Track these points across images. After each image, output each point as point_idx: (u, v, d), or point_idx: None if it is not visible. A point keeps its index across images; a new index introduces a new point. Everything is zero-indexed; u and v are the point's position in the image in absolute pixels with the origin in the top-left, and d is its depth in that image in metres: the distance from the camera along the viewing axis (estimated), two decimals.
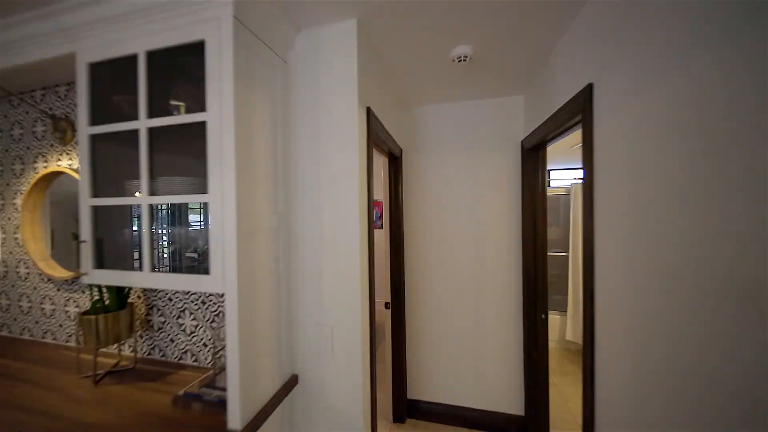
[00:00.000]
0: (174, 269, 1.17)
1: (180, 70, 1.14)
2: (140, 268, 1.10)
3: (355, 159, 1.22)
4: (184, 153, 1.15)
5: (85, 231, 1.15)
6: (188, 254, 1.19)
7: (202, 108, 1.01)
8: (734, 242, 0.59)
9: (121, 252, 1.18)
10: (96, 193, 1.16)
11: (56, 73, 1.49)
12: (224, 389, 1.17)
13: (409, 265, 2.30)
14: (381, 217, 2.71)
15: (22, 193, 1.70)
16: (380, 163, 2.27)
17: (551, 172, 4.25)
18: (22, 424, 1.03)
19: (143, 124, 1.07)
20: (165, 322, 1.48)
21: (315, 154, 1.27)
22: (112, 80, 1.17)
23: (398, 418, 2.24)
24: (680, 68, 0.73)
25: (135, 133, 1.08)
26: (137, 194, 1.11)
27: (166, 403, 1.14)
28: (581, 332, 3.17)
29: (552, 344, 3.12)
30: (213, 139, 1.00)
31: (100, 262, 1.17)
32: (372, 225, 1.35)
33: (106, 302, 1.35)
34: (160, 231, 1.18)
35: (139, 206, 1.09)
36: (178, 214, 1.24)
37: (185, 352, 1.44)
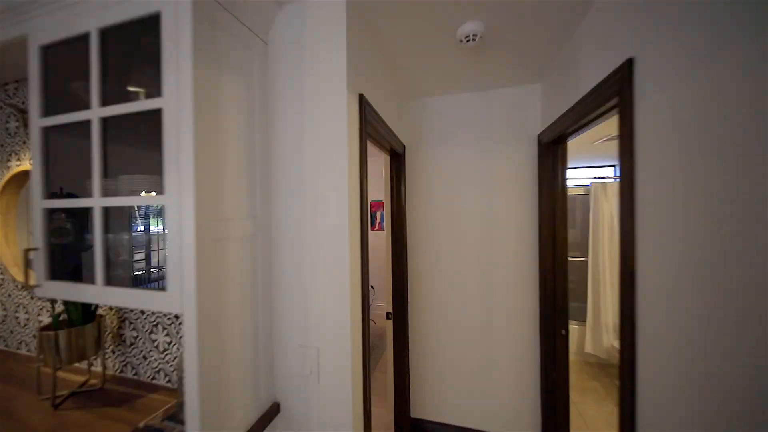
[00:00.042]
0: (134, 283, 1.02)
1: (140, 51, 0.99)
2: (93, 281, 0.95)
3: (344, 153, 1.04)
4: (147, 148, 0.99)
5: (38, 237, 1.01)
6: (152, 267, 1.04)
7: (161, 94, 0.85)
8: None
9: (76, 262, 1.04)
10: (50, 194, 1.02)
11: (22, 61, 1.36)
12: None
13: (413, 271, 2.11)
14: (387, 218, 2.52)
15: None
16: (381, 161, 2.09)
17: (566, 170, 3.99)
18: None
19: (95, 113, 0.92)
20: (137, 337, 1.33)
21: (299, 149, 1.10)
22: (67, 65, 1.02)
23: None
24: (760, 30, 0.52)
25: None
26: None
27: None
28: (603, 345, 2.91)
29: (569, 357, 2.88)
30: (170, 129, 0.83)
31: (55, 273, 1.03)
32: (366, 230, 1.17)
33: (63, 316, 1.21)
34: (122, 238, 1.03)
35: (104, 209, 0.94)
36: (144, 219, 1.09)
37: (158, 371, 1.29)
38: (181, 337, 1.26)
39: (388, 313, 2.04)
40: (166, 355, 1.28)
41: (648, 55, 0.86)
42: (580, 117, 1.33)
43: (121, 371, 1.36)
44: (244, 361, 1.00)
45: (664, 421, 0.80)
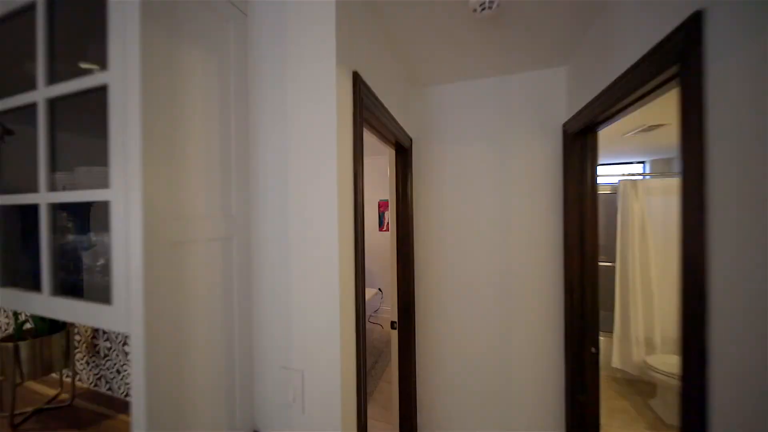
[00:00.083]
0: (94, 294, 0.88)
1: (94, 23, 0.85)
2: (40, 289, 0.81)
3: (332, 141, 0.87)
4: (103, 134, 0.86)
5: None
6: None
7: None
8: None
9: (25, 267, 0.91)
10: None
11: None
12: None
13: (420, 278, 1.93)
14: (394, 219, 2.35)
15: None
16: (386, 156, 1.91)
17: None
18: None
19: (41, 94, 0.79)
20: (111, 348, 1.21)
21: (282, 138, 0.94)
22: (17, 42, 0.90)
23: None
24: None
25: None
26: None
27: None
28: (632, 359, 2.63)
29: None
30: (116, 109, 0.69)
31: (5, 280, 0.90)
32: (361, 232, 1.00)
33: (29, 325, 1.10)
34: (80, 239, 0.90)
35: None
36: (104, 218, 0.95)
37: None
38: None
39: (393, 323, 1.87)
40: None
41: (719, 4, 0.65)
42: (617, 99, 1.12)
43: (95, 384, 1.24)
44: (214, 385, 0.84)
45: None
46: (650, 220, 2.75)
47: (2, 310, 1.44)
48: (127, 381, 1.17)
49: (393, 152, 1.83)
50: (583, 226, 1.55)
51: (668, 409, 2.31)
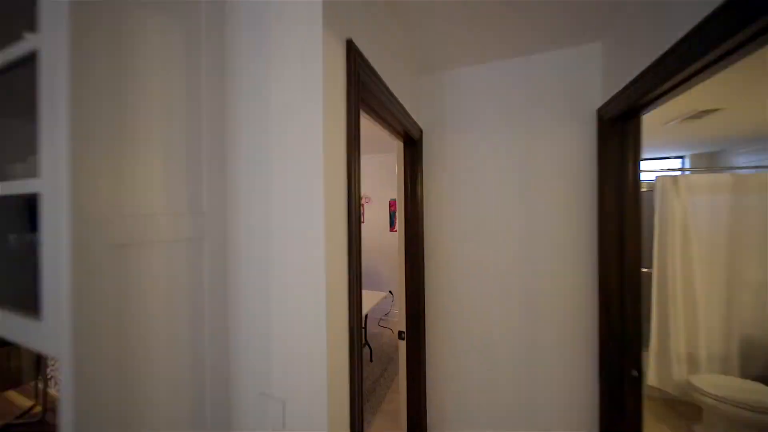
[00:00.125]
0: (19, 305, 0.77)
1: None
2: None
3: (318, 121, 0.71)
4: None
5: None
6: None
7: None
8: None
9: None
10: None
11: None
12: None
13: (431, 284, 1.74)
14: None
15: None
16: (394, 149, 1.75)
17: None
18: None
19: None
20: None
21: (262, 120, 0.79)
22: None
23: None
24: None
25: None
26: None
27: None
28: (673, 378, 2.34)
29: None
30: (46, 82, 0.56)
31: None
32: (357, 232, 0.84)
33: None
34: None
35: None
36: None
37: None
38: None
39: (400, 332, 1.70)
40: None
41: None
42: (670, 74, 0.91)
43: None
44: (175, 417, 0.71)
45: None
46: (694, 222, 2.43)
47: None
48: None
49: (401, 145, 1.66)
50: (623, 229, 1.33)
51: None
